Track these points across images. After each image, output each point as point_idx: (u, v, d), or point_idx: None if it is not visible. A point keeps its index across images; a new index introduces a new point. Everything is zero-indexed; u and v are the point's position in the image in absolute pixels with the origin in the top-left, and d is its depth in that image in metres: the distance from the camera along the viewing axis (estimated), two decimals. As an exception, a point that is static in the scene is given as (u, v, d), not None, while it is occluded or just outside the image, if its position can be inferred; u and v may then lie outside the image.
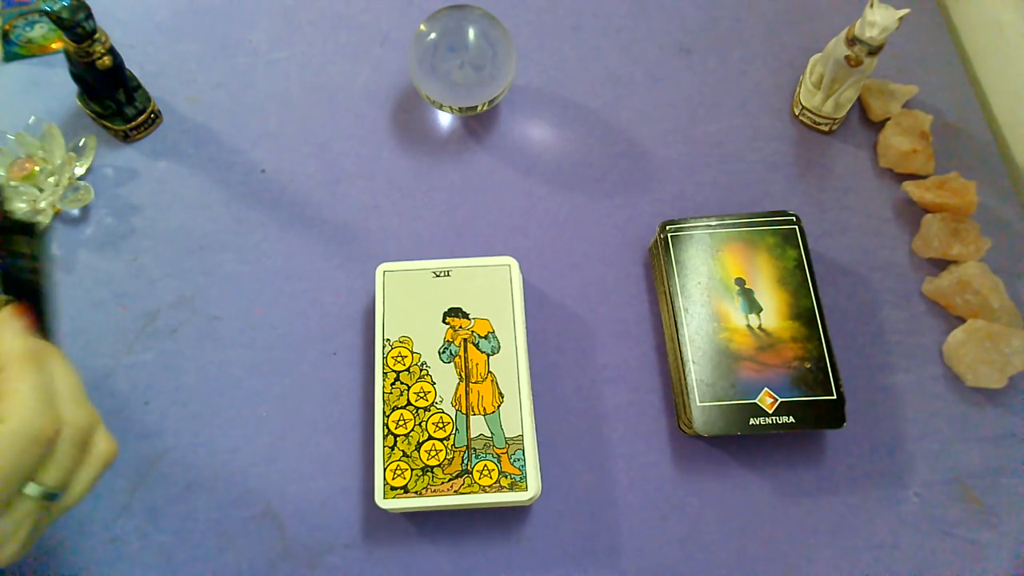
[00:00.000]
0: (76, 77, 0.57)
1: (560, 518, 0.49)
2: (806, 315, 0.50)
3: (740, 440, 0.51)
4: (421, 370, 0.48)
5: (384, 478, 0.46)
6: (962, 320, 0.54)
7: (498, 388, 0.48)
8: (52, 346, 0.38)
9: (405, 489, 0.45)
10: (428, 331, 0.50)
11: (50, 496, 0.35)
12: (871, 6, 0.52)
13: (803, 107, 0.60)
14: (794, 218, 0.53)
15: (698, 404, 0.48)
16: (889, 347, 0.54)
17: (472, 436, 0.47)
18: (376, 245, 0.57)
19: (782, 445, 0.51)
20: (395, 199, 0.58)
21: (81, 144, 0.58)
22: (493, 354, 0.49)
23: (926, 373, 0.53)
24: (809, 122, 0.61)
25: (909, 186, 0.57)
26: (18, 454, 0.33)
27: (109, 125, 0.59)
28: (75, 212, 0.57)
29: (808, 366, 0.49)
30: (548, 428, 0.51)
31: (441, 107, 0.58)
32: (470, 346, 0.49)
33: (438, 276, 0.51)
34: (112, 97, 0.58)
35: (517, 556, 0.48)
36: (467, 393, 0.48)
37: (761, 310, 0.50)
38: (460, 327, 0.50)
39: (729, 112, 0.62)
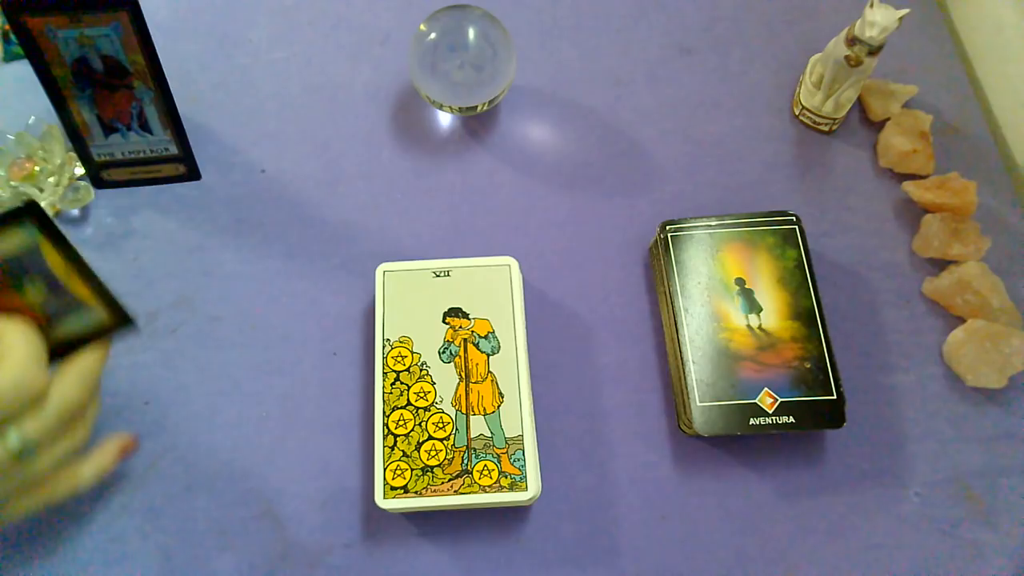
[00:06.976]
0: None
1: (560, 518, 0.49)
2: (806, 315, 0.50)
3: (740, 440, 0.51)
4: (421, 370, 0.48)
5: (384, 478, 0.46)
6: (962, 320, 0.54)
7: (498, 388, 0.48)
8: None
9: (405, 489, 0.45)
10: (428, 331, 0.50)
11: (21, 452, 0.37)
12: (871, 6, 0.52)
13: (803, 107, 0.60)
14: (794, 218, 0.53)
15: (698, 404, 0.48)
16: (889, 347, 0.54)
17: (472, 436, 0.47)
18: (376, 245, 0.57)
19: (782, 445, 0.51)
20: (395, 199, 0.58)
21: (81, 144, 0.58)
22: (493, 354, 0.49)
23: (926, 373, 0.53)
24: (809, 122, 0.61)
25: (909, 186, 0.57)
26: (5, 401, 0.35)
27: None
28: (75, 212, 0.57)
29: (808, 366, 0.49)
30: (548, 428, 0.51)
31: (441, 107, 0.58)
32: (470, 346, 0.49)
33: (438, 276, 0.51)
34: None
35: (517, 556, 0.48)
36: (467, 393, 0.48)
37: (761, 310, 0.50)
38: (460, 327, 0.50)
39: (729, 112, 0.62)
